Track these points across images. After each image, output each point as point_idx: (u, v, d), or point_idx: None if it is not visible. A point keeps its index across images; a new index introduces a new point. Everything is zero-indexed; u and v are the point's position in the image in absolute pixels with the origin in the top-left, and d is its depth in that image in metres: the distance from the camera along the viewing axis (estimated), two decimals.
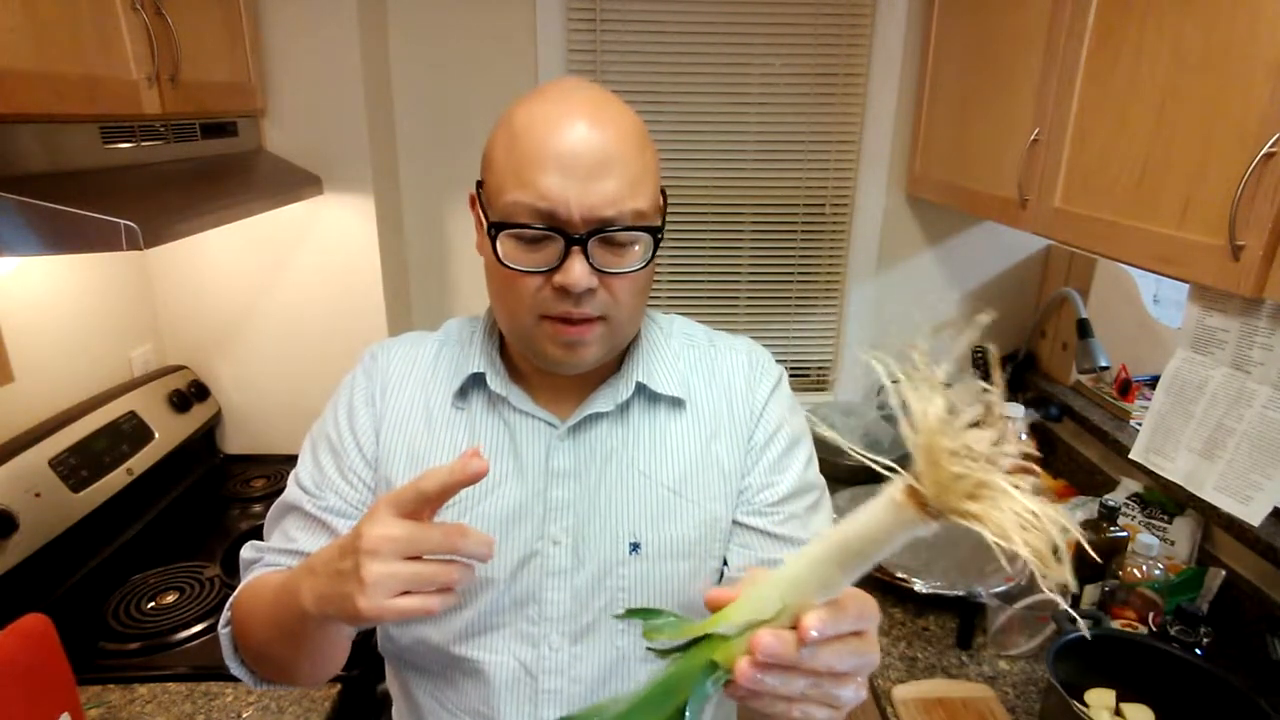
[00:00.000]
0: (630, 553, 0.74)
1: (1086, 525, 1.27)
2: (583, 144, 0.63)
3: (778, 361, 0.87)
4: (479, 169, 0.72)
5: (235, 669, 0.75)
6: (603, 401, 0.76)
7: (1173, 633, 1.08)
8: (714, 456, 0.77)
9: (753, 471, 0.79)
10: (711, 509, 0.77)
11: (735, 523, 0.78)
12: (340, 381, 0.81)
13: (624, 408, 0.77)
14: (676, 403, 0.78)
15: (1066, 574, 0.35)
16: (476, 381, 0.77)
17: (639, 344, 0.78)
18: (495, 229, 0.65)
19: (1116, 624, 1.15)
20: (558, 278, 0.64)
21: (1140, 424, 1.27)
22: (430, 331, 0.84)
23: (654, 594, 0.75)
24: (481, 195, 0.70)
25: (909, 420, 0.39)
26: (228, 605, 0.74)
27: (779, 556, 0.76)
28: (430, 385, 0.78)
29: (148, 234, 0.93)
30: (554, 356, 0.70)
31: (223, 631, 0.74)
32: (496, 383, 0.76)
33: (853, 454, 0.45)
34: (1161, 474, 1.13)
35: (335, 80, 1.57)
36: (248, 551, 0.77)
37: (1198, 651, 1.04)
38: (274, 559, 0.75)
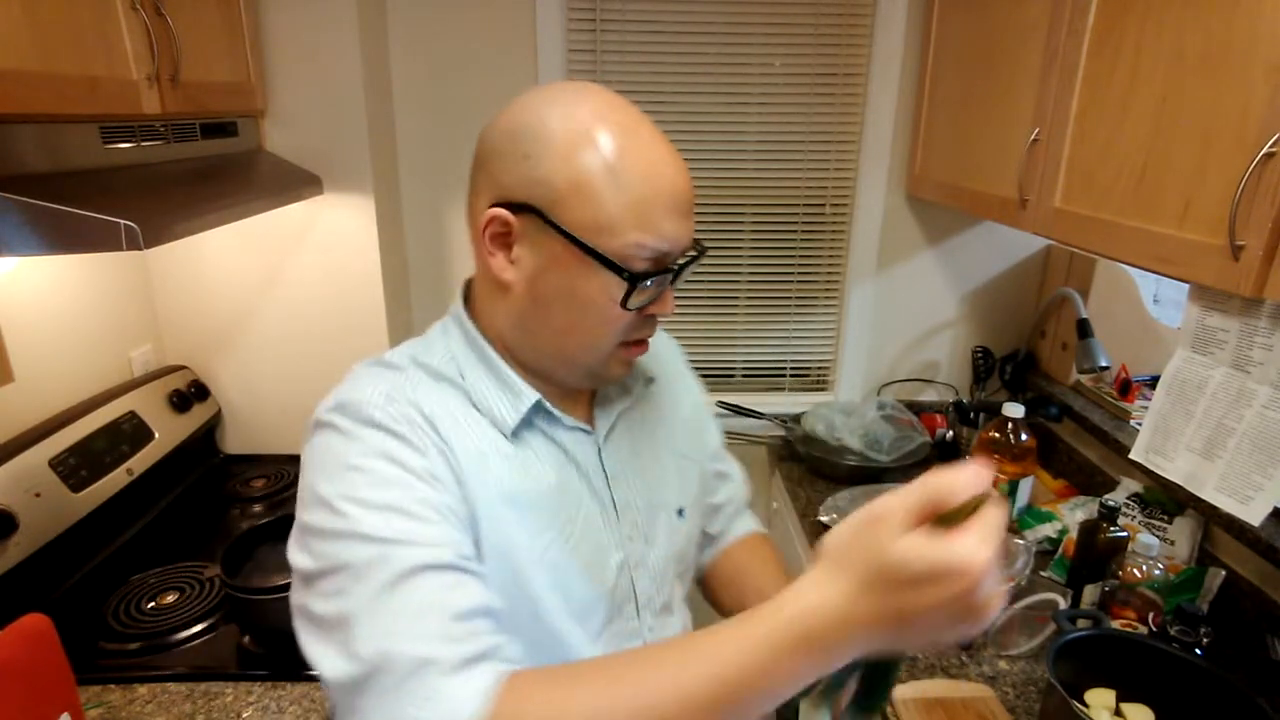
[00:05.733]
0: (678, 518, 0.82)
1: (1086, 525, 1.27)
2: (685, 184, 0.65)
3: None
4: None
5: None
6: (620, 400, 0.79)
7: (1173, 633, 1.08)
8: (690, 419, 0.88)
9: (707, 428, 0.92)
10: (702, 464, 0.89)
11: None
12: (356, 452, 0.61)
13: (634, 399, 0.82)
14: (650, 381, 0.85)
15: None
16: (535, 409, 0.72)
17: None
18: (634, 279, 0.63)
19: (1116, 624, 1.15)
20: (654, 309, 0.68)
21: (1140, 424, 1.27)
22: (391, 369, 0.69)
23: (689, 549, 0.85)
24: (556, 224, 0.62)
25: None
26: None
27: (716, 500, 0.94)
28: (478, 424, 0.69)
29: (148, 234, 0.93)
30: (616, 375, 0.73)
31: None
32: (551, 404, 0.72)
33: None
34: (1161, 474, 1.13)
35: (335, 80, 1.57)
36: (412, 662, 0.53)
37: (1198, 651, 1.03)
38: (453, 650, 0.54)
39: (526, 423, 0.71)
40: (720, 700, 0.49)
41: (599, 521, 0.74)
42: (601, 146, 0.62)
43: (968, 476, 0.47)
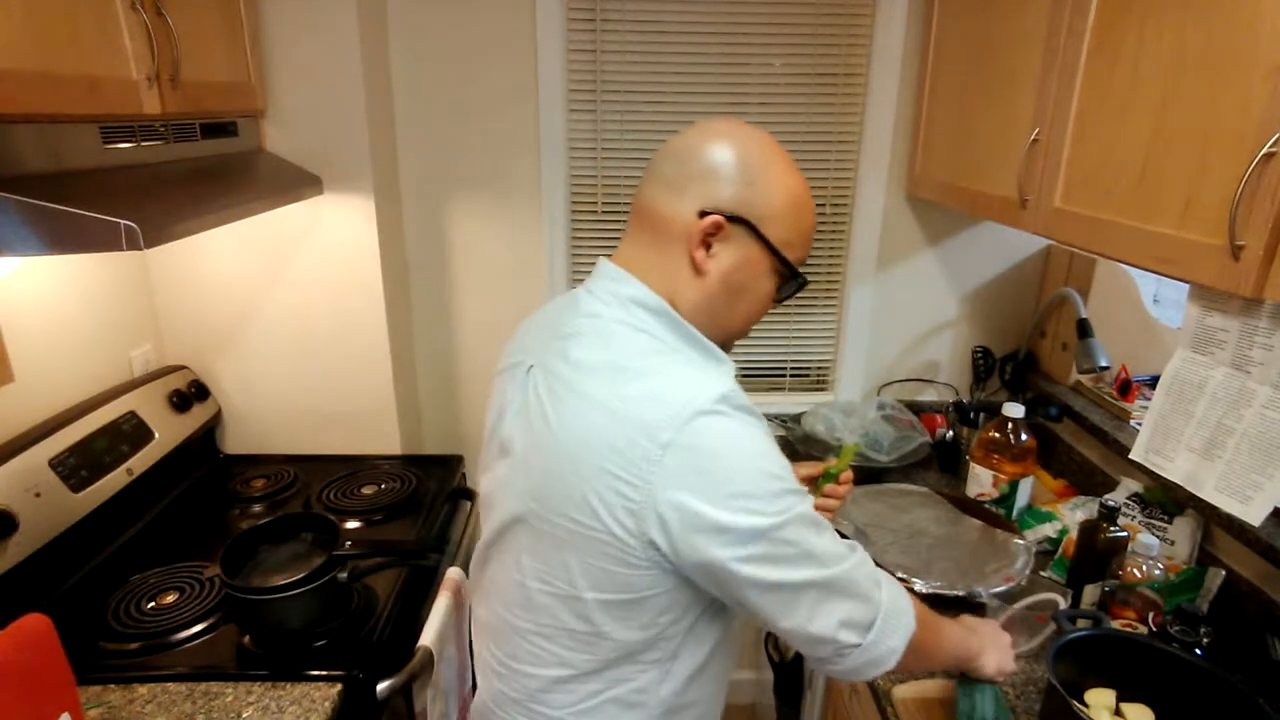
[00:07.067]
0: None
1: (1086, 525, 1.27)
2: None
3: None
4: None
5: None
6: None
7: (1173, 633, 1.08)
8: None
9: None
10: None
11: None
12: (757, 431, 0.79)
13: None
14: None
15: None
16: None
17: None
18: (800, 281, 0.87)
19: (1116, 624, 1.15)
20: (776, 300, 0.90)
21: (1140, 424, 1.27)
22: (682, 363, 0.82)
23: None
24: (764, 236, 0.82)
25: None
26: (912, 621, 0.86)
27: None
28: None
29: (148, 234, 0.93)
30: (734, 345, 0.91)
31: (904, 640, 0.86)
32: None
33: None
34: (1161, 474, 1.13)
35: (335, 80, 1.57)
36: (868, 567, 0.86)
37: (1198, 651, 1.03)
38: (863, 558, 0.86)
39: None
40: (935, 644, 0.93)
41: None
42: (799, 187, 0.84)
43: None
